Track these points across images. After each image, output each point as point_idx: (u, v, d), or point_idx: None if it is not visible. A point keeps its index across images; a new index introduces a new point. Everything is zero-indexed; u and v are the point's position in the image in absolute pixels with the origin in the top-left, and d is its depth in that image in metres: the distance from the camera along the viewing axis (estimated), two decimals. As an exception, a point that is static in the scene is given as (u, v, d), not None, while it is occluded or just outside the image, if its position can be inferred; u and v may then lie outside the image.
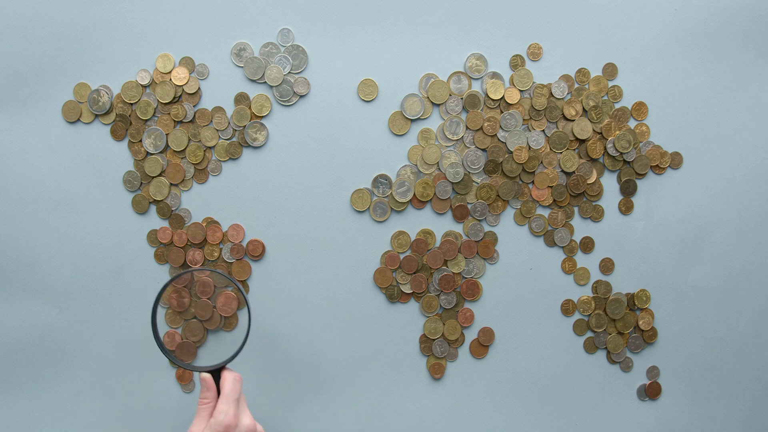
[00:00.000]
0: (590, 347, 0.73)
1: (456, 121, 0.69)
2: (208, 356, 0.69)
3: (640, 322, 0.73)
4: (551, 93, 0.69)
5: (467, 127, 0.69)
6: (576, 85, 0.70)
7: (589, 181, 0.71)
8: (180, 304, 0.68)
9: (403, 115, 0.68)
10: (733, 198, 0.73)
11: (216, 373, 0.59)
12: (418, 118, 0.69)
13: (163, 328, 0.68)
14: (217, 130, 0.67)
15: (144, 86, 0.67)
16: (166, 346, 0.60)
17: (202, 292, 0.68)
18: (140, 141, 0.67)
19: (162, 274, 0.69)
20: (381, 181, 0.69)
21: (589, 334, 0.73)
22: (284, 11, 0.66)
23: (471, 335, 0.72)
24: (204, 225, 0.68)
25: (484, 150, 0.69)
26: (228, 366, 0.61)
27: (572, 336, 0.73)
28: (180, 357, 0.68)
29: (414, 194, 0.69)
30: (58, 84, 0.66)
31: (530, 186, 0.70)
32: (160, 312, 0.68)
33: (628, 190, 0.71)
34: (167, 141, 0.67)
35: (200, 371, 0.59)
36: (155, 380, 0.70)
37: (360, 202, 0.69)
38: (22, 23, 0.65)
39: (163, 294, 0.64)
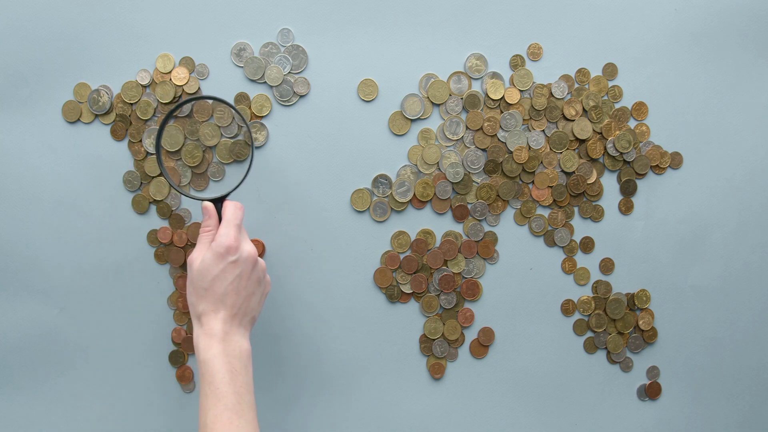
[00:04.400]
0: (590, 347, 0.73)
1: (456, 121, 0.69)
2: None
3: (640, 322, 0.73)
4: (551, 93, 0.69)
5: (467, 127, 0.69)
6: (576, 85, 0.70)
7: (589, 181, 0.71)
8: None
9: (403, 115, 0.68)
10: (733, 198, 0.73)
11: (218, 203, 0.59)
12: (418, 118, 0.69)
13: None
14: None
15: (144, 86, 0.67)
16: (170, 176, 0.60)
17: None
18: (140, 141, 0.67)
19: (162, 274, 0.69)
20: (381, 181, 0.69)
21: (589, 334, 0.73)
22: (284, 11, 0.66)
23: (471, 335, 0.72)
24: (204, 225, 0.68)
25: (484, 150, 0.69)
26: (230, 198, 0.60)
27: (572, 336, 0.73)
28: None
29: (414, 194, 0.69)
30: (58, 84, 0.66)
31: (530, 186, 0.70)
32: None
33: (628, 190, 0.71)
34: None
35: (202, 200, 0.59)
36: (155, 380, 0.70)
37: (360, 202, 0.69)
38: (22, 23, 0.65)
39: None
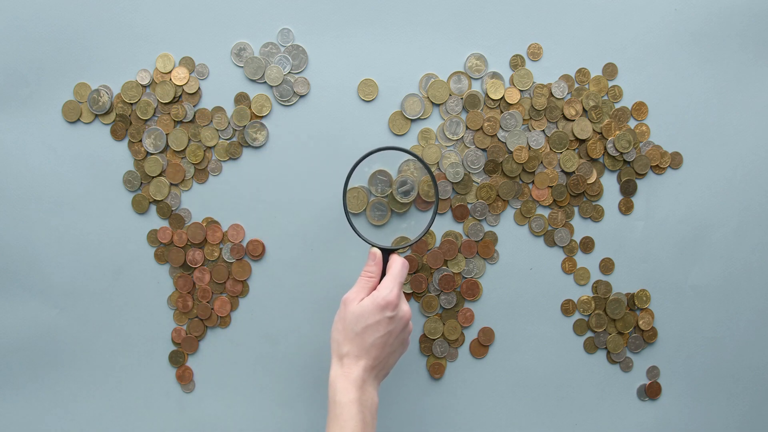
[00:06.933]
0: (590, 347, 0.73)
1: (456, 121, 0.69)
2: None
3: (640, 322, 0.73)
4: (551, 93, 0.69)
5: (467, 127, 0.69)
6: (576, 85, 0.70)
7: (589, 181, 0.71)
8: (185, 306, 0.69)
9: (403, 115, 0.68)
10: (733, 198, 0.73)
11: (386, 254, 0.61)
12: (418, 118, 0.69)
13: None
14: (217, 130, 0.67)
15: (144, 86, 0.67)
16: (353, 222, 0.62)
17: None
18: (140, 141, 0.67)
19: (162, 274, 0.69)
20: (379, 178, 0.69)
21: (589, 334, 0.73)
22: (284, 11, 0.66)
23: (471, 335, 0.72)
24: (204, 225, 0.68)
25: (484, 150, 0.69)
26: (399, 252, 0.62)
27: (572, 336, 0.73)
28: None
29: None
30: (58, 84, 0.66)
31: (530, 186, 0.70)
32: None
33: (628, 190, 0.71)
34: (167, 141, 0.67)
35: (374, 246, 0.61)
36: (155, 380, 0.70)
37: (356, 203, 0.69)
38: (22, 23, 0.65)
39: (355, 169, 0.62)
